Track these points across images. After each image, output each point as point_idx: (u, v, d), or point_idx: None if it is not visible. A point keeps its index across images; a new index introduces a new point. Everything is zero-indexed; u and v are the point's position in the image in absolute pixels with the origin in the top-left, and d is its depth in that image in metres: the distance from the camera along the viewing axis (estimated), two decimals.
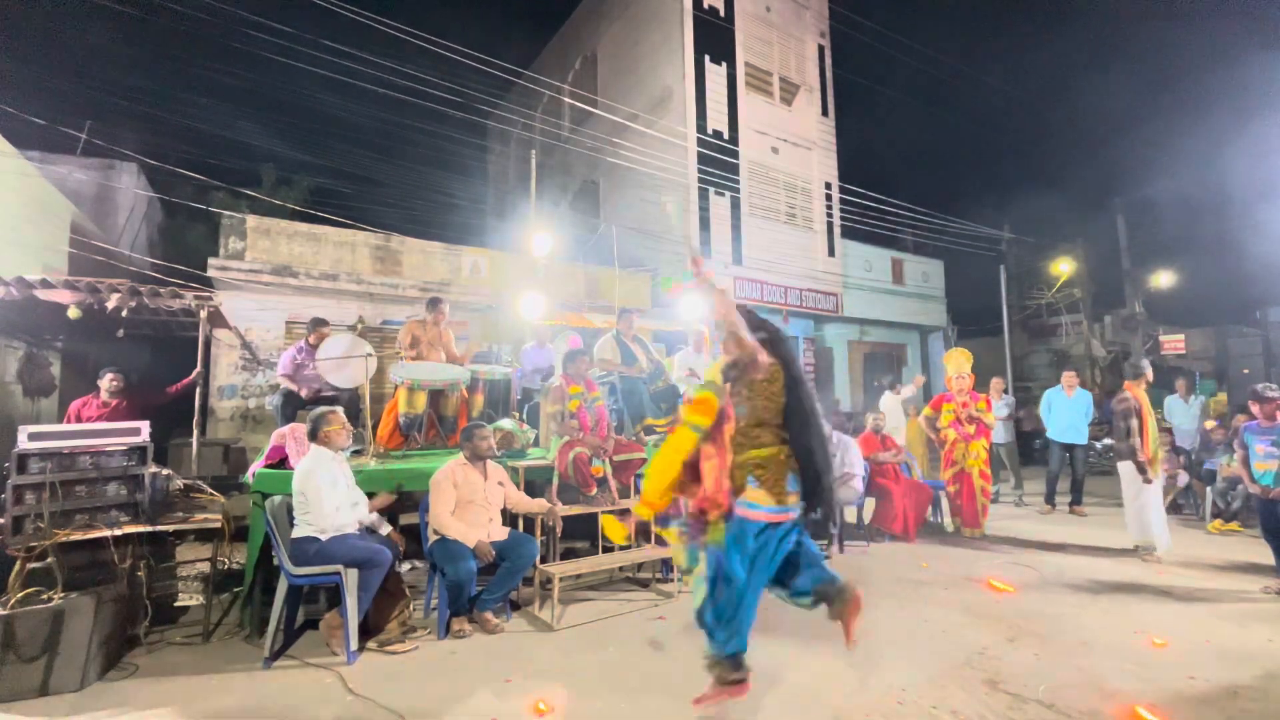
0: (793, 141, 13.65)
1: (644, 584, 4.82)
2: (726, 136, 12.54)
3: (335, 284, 8.90)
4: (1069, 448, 7.47)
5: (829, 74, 14.41)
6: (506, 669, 3.28)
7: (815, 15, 14.47)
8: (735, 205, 12.51)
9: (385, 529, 3.88)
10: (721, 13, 12.80)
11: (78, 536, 3.42)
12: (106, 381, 5.10)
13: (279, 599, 3.45)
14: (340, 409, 3.89)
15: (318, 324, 5.78)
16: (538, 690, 3.04)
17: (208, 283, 7.96)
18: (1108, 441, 11.33)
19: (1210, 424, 7.42)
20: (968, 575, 4.94)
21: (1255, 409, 4.79)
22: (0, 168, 6.77)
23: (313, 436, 3.71)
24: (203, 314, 5.53)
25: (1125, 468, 5.62)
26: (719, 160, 12.22)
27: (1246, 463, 4.76)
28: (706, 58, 12.44)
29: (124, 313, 5.25)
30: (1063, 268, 17.26)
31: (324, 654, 3.50)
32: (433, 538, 3.88)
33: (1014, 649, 3.46)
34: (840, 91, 14.59)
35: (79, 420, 4.98)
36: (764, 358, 2.67)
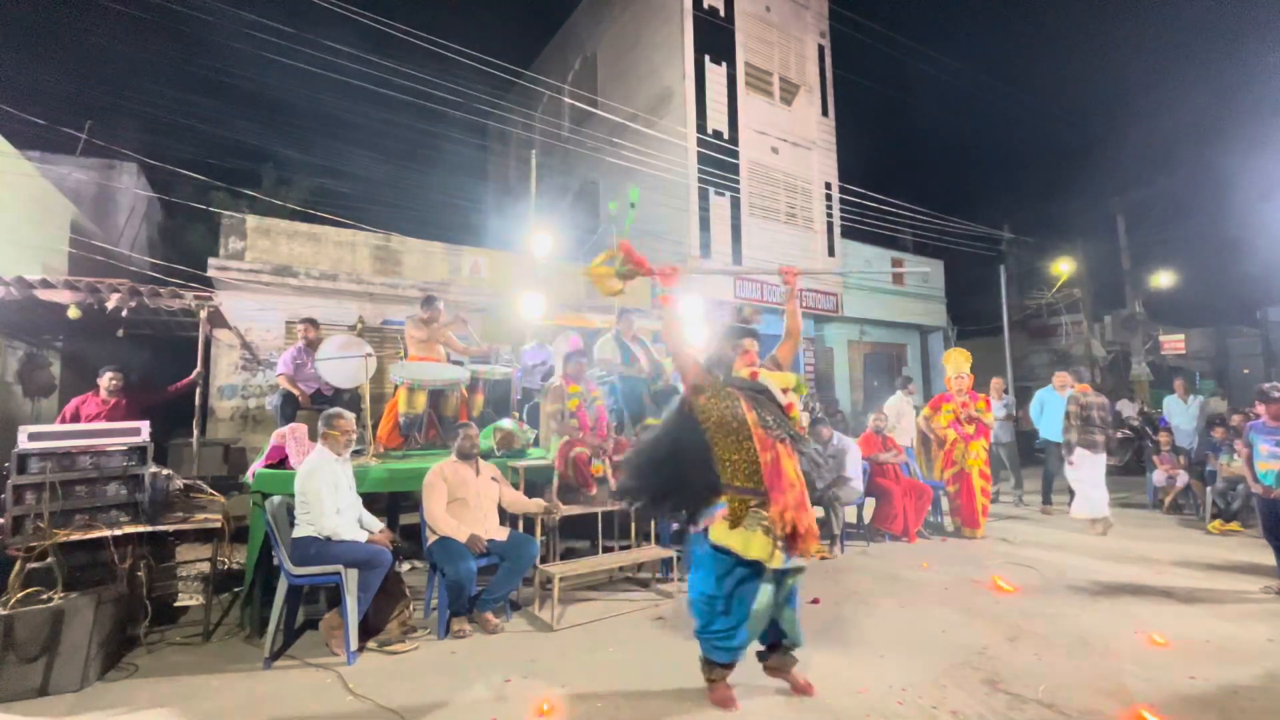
0: (793, 141, 13.64)
1: (644, 584, 4.82)
2: (726, 136, 12.54)
3: (335, 284, 8.90)
4: None
5: (829, 74, 14.41)
6: (506, 669, 3.28)
7: (815, 15, 14.46)
8: (735, 205, 12.51)
9: (379, 528, 3.87)
10: (721, 13, 12.80)
11: (78, 536, 3.42)
12: (106, 380, 5.10)
13: (279, 599, 3.45)
14: (352, 415, 3.89)
15: (306, 322, 5.81)
16: (538, 690, 3.04)
17: (208, 283, 7.96)
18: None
19: (1219, 431, 7.26)
20: (968, 575, 4.94)
21: (1261, 409, 4.78)
22: (0, 168, 6.77)
23: (319, 434, 3.71)
24: (203, 314, 5.53)
25: (1101, 457, 6.48)
26: (719, 160, 12.22)
27: (1250, 461, 4.75)
28: (706, 58, 12.44)
29: (124, 313, 5.25)
30: (1063, 268, 17.27)
31: (324, 654, 3.50)
32: (431, 538, 3.88)
33: (1014, 649, 3.46)
34: (840, 91, 14.59)
35: (77, 416, 4.98)
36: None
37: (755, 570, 2.76)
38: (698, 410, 2.89)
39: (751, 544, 2.73)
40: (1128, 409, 12.53)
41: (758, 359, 3.01)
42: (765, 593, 2.79)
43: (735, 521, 2.77)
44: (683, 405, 2.99)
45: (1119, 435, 11.39)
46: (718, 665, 2.89)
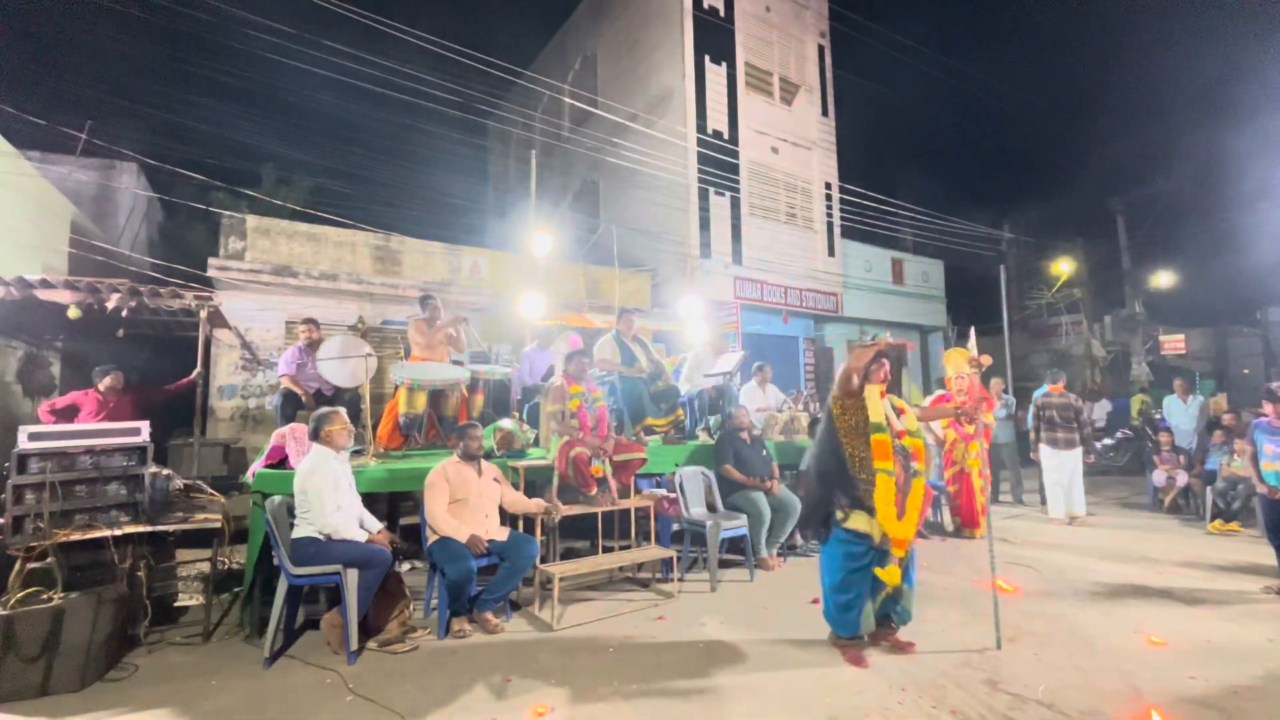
0: (793, 141, 13.64)
1: (644, 584, 4.82)
2: (726, 136, 12.54)
3: (335, 284, 8.90)
4: None
5: (829, 74, 14.41)
6: (506, 669, 3.28)
7: (815, 15, 14.46)
8: (735, 205, 12.51)
9: (378, 528, 3.86)
10: (721, 13, 12.80)
11: (78, 536, 3.41)
12: (105, 381, 5.10)
13: (279, 599, 3.44)
14: (343, 409, 3.88)
15: (307, 323, 5.80)
16: (538, 690, 3.04)
17: (208, 283, 7.96)
18: (1108, 441, 11.35)
19: (1219, 435, 7.37)
20: (968, 575, 4.94)
21: (1268, 408, 4.77)
22: (0, 168, 6.77)
23: (314, 436, 3.70)
24: (203, 314, 5.54)
25: (1075, 454, 6.94)
26: (719, 160, 12.22)
27: (1255, 460, 4.73)
28: (706, 58, 12.44)
29: (124, 313, 5.26)
30: (1063, 268, 17.28)
31: (324, 654, 3.50)
32: (432, 538, 3.88)
33: (1014, 649, 3.46)
34: (840, 91, 14.59)
35: (74, 409, 5.00)
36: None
37: (875, 552, 3.26)
38: (838, 413, 3.44)
39: (872, 526, 3.26)
40: (1098, 410, 12.59)
41: (890, 376, 3.58)
42: (881, 571, 3.28)
43: (860, 507, 3.31)
44: (830, 418, 3.51)
45: (1119, 435, 11.42)
46: (844, 638, 3.38)
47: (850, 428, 3.40)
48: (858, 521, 3.30)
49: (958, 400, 6.70)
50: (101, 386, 5.14)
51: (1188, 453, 7.92)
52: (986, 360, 4.46)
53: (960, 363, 6.84)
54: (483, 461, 4.19)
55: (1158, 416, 9.62)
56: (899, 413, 3.52)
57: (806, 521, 3.62)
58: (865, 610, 3.38)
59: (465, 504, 3.98)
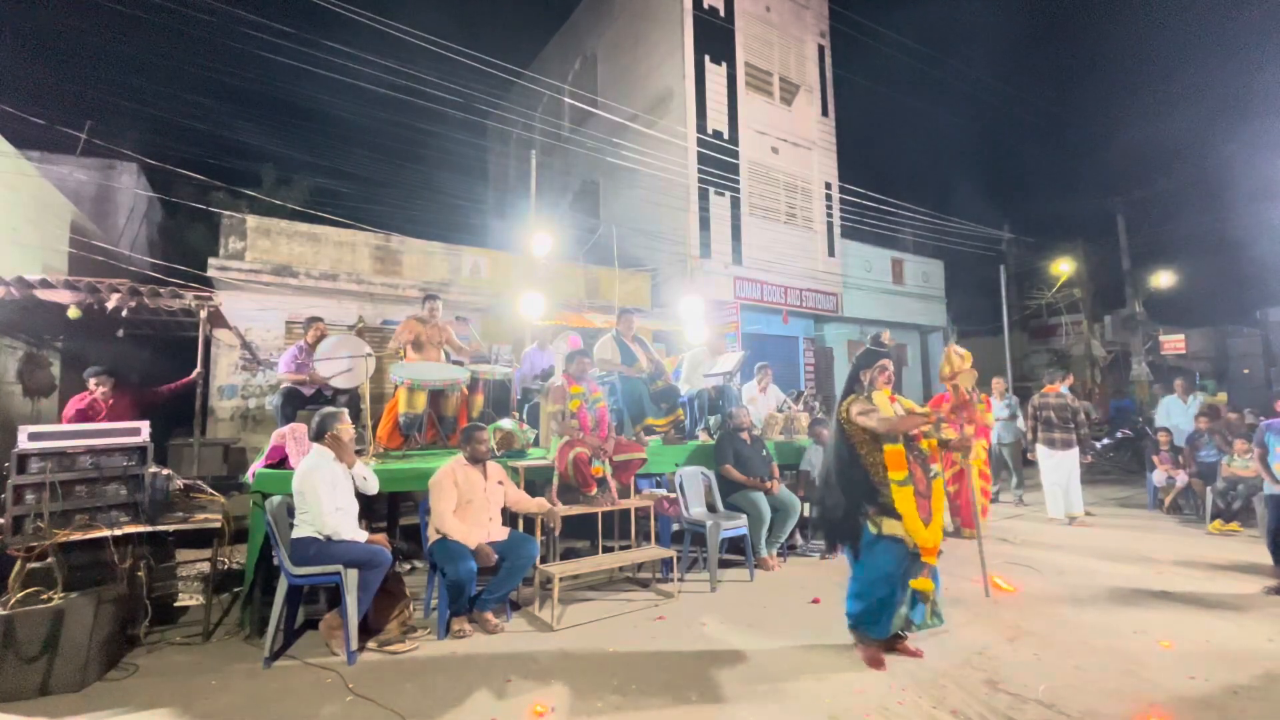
0: (793, 141, 13.65)
1: (644, 584, 4.81)
2: (726, 136, 12.54)
3: (335, 284, 8.90)
4: None
5: (829, 74, 14.42)
6: (506, 669, 3.28)
7: (815, 15, 14.47)
8: (735, 205, 12.51)
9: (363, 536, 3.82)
10: (721, 13, 12.80)
11: (78, 536, 3.41)
12: (93, 384, 5.08)
13: (279, 599, 3.44)
14: (347, 412, 3.87)
15: (313, 321, 5.77)
16: (537, 690, 3.04)
17: (208, 283, 7.96)
18: (1107, 441, 11.35)
19: (1202, 421, 7.48)
20: (968, 575, 4.94)
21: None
22: (0, 168, 6.77)
23: (318, 436, 3.69)
24: (203, 314, 5.54)
25: (1072, 454, 6.87)
26: (719, 160, 12.22)
27: (1264, 460, 4.79)
28: (706, 58, 12.45)
29: (124, 313, 5.25)
30: (1063, 268, 17.28)
31: (324, 654, 3.50)
32: (433, 538, 3.88)
33: (1014, 649, 3.46)
34: (840, 91, 14.60)
35: (85, 417, 4.98)
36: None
37: (909, 554, 3.23)
38: (850, 424, 3.35)
39: (904, 531, 3.23)
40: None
41: (894, 377, 3.49)
42: (915, 582, 3.27)
43: (889, 514, 3.25)
44: (840, 429, 3.42)
45: (1119, 435, 11.42)
46: (873, 639, 3.31)
47: (864, 437, 3.34)
48: (893, 528, 3.25)
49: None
50: (97, 392, 5.12)
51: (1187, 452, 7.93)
52: (967, 364, 4.52)
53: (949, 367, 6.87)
54: (488, 463, 4.18)
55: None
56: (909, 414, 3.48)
57: (838, 534, 3.50)
58: (898, 613, 3.33)
59: (470, 506, 3.97)
